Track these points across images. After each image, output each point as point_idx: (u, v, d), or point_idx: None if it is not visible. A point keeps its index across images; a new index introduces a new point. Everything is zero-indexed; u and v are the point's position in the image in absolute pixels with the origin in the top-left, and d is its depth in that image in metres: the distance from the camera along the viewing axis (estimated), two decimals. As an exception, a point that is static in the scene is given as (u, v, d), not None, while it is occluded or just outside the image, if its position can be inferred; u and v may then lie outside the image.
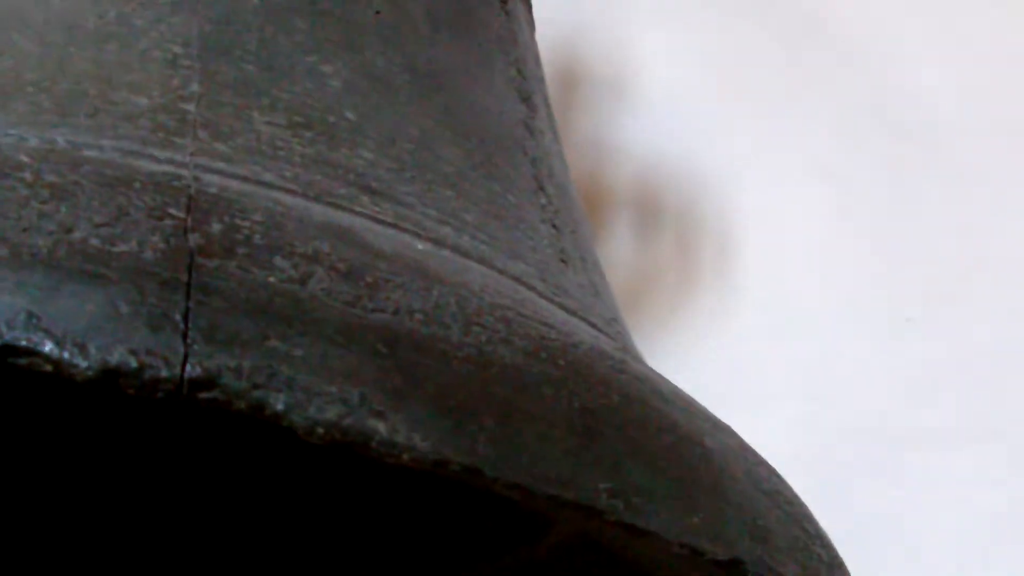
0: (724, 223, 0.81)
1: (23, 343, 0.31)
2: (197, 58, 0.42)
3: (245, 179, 0.38)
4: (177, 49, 0.42)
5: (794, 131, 0.82)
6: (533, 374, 0.35)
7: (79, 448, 0.55)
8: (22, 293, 0.31)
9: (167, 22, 0.43)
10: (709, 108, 0.83)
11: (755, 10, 0.85)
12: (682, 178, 0.82)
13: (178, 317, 0.32)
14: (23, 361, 0.31)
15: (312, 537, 0.56)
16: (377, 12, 0.47)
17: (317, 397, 0.32)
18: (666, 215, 0.81)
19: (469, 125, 0.47)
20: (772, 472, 0.41)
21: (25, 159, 0.35)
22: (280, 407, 0.31)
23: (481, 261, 0.41)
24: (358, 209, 0.40)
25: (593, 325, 0.44)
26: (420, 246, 0.39)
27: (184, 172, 0.37)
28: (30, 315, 0.31)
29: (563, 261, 0.46)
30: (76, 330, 0.31)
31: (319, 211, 0.38)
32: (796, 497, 0.41)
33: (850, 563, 0.43)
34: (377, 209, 0.40)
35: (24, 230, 0.33)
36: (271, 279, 0.33)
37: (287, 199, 0.38)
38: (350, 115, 0.43)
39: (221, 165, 0.39)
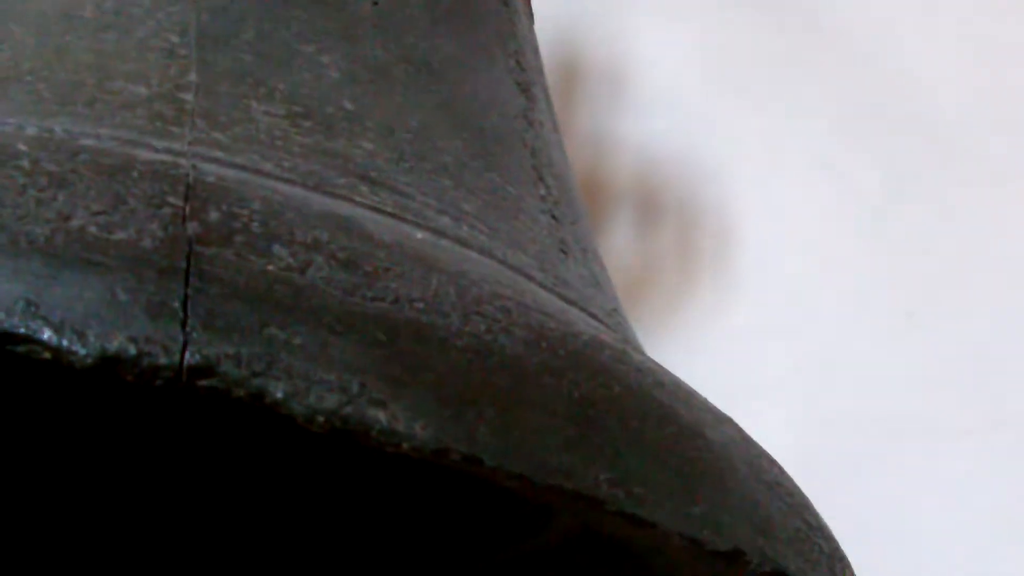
0: (724, 216, 0.81)
1: (21, 330, 0.31)
2: (195, 47, 0.42)
3: (243, 168, 0.38)
4: (175, 39, 0.42)
5: (794, 125, 0.82)
6: (533, 363, 0.35)
7: (77, 436, 0.55)
8: (20, 281, 0.31)
9: (165, 11, 0.43)
10: (709, 101, 0.82)
11: (755, 3, 0.85)
12: (682, 171, 0.81)
13: (177, 305, 0.32)
14: (21, 348, 0.31)
15: (312, 530, 0.55)
16: (375, 3, 0.47)
17: (316, 385, 0.32)
18: (666, 208, 0.81)
19: (468, 116, 0.47)
20: (773, 464, 0.41)
21: (23, 147, 0.35)
22: (279, 395, 0.31)
23: (480, 251, 0.41)
24: (357, 199, 0.40)
25: (593, 316, 0.44)
26: (419, 235, 0.39)
27: (182, 161, 0.37)
28: (28, 303, 0.31)
29: (563, 252, 0.46)
30: (74, 317, 0.31)
31: (318, 200, 0.38)
32: (797, 489, 0.41)
33: (850, 556, 0.43)
34: (376, 199, 0.40)
35: (22, 218, 0.32)
36: (270, 267, 0.33)
37: (285, 188, 0.38)
38: (349, 105, 0.43)
39: (219, 154, 0.38)
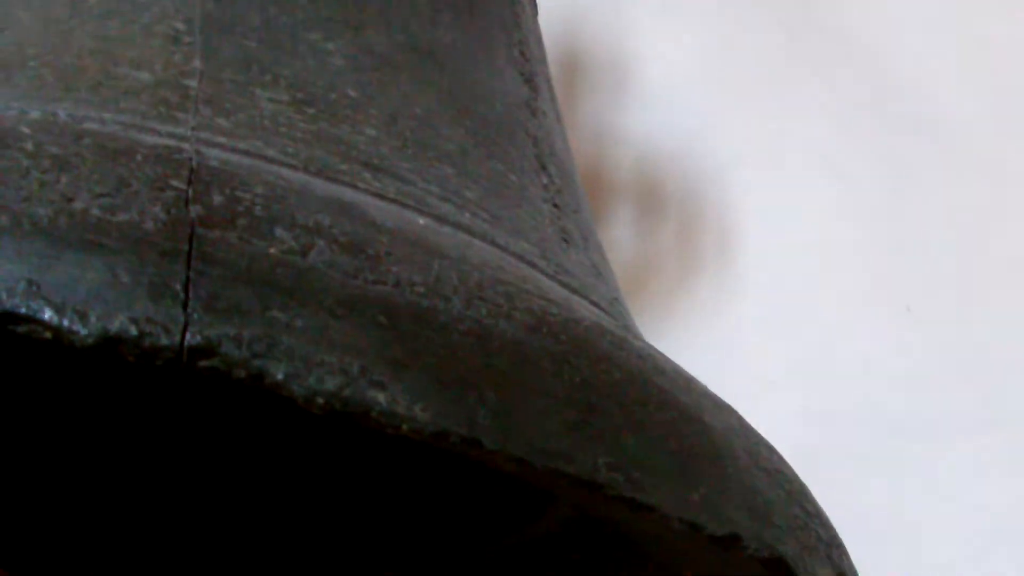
0: (725, 211, 0.81)
1: (23, 310, 0.31)
2: (199, 34, 0.42)
3: (247, 153, 0.38)
4: (179, 25, 0.42)
5: (795, 120, 0.82)
6: (534, 348, 0.35)
7: (79, 417, 0.55)
8: (22, 261, 0.31)
9: (170, -2, 0.43)
10: (710, 96, 0.82)
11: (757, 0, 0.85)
12: (683, 166, 0.81)
13: (178, 286, 0.32)
14: (23, 328, 0.31)
15: (313, 513, 0.56)
16: (380, -9, 0.47)
17: (317, 367, 0.32)
18: (667, 203, 0.81)
19: (471, 104, 0.47)
20: (772, 451, 0.41)
21: (27, 130, 0.35)
22: (280, 376, 0.31)
23: (483, 238, 0.41)
24: (360, 185, 0.40)
25: (595, 304, 0.44)
26: (422, 221, 0.39)
27: (186, 145, 0.37)
28: (30, 283, 0.31)
29: (565, 240, 0.46)
30: (76, 298, 0.31)
31: (321, 185, 0.38)
32: (796, 476, 0.41)
33: (850, 552, 0.43)
34: (379, 185, 0.40)
35: (25, 199, 0.33)
36: (272, 250, 0.33)
37: (288, 173, 0.38)
38: (352, 92, 0.43)
39: (223, 139, 0.39)
